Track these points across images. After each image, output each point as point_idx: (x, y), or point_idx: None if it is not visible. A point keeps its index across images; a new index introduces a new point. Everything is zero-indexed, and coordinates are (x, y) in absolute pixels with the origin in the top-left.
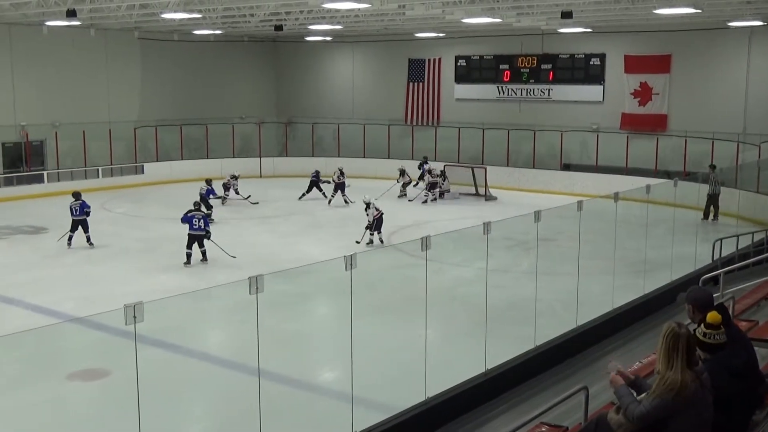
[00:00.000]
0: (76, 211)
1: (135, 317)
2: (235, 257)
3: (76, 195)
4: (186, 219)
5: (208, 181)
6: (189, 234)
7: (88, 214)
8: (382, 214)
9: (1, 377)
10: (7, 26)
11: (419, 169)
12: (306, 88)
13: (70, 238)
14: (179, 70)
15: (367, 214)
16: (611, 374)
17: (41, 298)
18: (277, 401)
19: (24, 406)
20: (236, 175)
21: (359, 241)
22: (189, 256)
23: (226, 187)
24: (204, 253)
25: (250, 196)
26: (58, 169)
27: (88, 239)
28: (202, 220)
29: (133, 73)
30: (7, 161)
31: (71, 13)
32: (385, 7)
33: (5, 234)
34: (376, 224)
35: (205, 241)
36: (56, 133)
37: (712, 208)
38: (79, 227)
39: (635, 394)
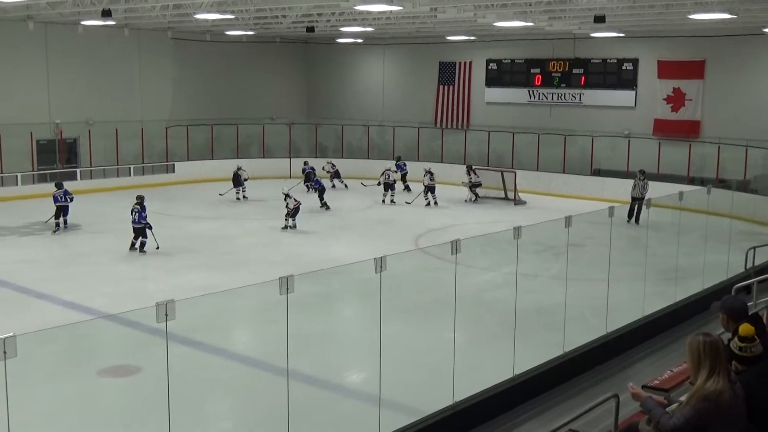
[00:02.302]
0: (60, 198)
1: (167, 315)
2: (158, 248)
3: (59, 185)
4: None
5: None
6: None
7: (71, 200)
8: (300, 204)
9: (35, 371)
10: (43, 25)
11: (397, 170)
12: (336, 90)
13: (57, 225)
14: (211, 70)
15: (287, 204)
16: (631, 390)
17: (73, 294)
18: (304, 402)
19: (57, 400)
20: (239, 166)
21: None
22: (132, 245)
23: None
24: (142, 245)
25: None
26: (90, 166)
27: (65, 222)
28: (137, 213)
29: (165, 73)
30: (41, 158)
31: (106, 13)
32: (416, 9)
33: (38, 230)
34: (293, 212)
35: (150, 231)
36: (89, 131)
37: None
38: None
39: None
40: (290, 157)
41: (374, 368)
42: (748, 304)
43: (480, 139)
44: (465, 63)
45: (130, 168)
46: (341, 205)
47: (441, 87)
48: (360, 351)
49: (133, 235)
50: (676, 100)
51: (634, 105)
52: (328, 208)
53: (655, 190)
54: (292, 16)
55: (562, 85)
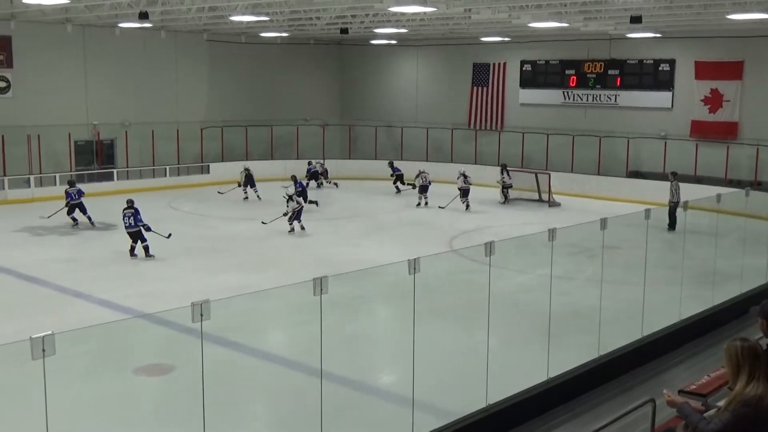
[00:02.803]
0: (74, 195)
1: (202, 315)
2: (169, 236)
3: (72, 183)
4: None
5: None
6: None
7: (82, 195)
8: (302, 207)
9: (71, 370)
10: (81, 28)
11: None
12: (370, 91)
13: (75, 220)
14: (246, 71)
15: (288, 206)
16: (666, 397)
17: (109, 293)
18: (337, 402)
19: (93, 398)
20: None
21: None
22: (132, 249)
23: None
24: (146, 249)
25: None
26: (127, 167)
27: (90, 219)
28: (131, 218)
29: (201, 75)
30: (79, 159)
31: (143, 15)
32: (450, 11)
33: (76, 230)
34: (297, 215)
35: (152, 231)
36: (126, 132)
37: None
38: (76, 210)
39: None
40: (324, 159)
41: (407, 370)
42: None
43: (514, 140)
44: (499, 64)
45: (165, 169)
46: (374, 207)
47: (475, 88)
48: (393, 352)
49: (130, 240)
50: (714, 101)
51: (670, 106)
52: (317, 204)
53: (693, 192)
54: (326, 18)
55: (598, 86)
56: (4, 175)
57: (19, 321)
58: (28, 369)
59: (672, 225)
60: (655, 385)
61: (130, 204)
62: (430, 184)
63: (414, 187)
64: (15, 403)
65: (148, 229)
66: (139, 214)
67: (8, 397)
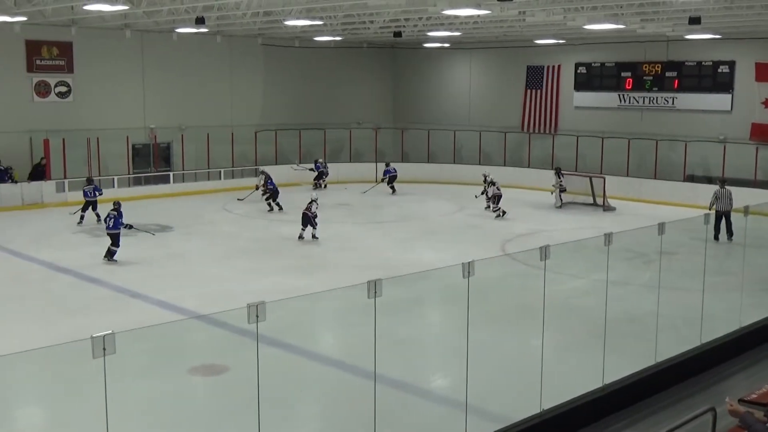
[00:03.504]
0: (90, 193)
1: (257, 316)
2: (154, 234)
3: (89, 180)
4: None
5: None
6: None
7: (100, 194)
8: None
9: (130, 368)
10: (139, 33)
11: (385, 176)
12: (423, 95)
13: (81, 218)
14: (299, 75)
15: (316, 208)
16: (729, 406)
17: (165, 293)
18: (390, 405)
19: (149, 396)
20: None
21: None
22: (110, 254)
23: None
24: (112, 253)
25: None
26: (183, 170)
27: (98, 215)
28: (112, 220)
29: (255, 79)
30: (136, 162)
31: (200, 21)
32: (504, 13)
33: (133, 232)
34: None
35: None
36: (182, 135)
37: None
38: (89, 208)
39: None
40: (376, 162)
41: (461, 373)
42: None
43: (568, 144)
44: (553, 67)
45: (220, 172)
46: (426, 210)
47: (528, 91)
48: (446, 356)
49: (110, 241)
50: None
51: (730, 109)
52: (281, 209)
53: (753, 197)
54: (380, 22)
55: (654, 88)
56: (65, 177)
57: (78, 320)
58: (89, 367)
59: (720, 233)
60: (714, 394)
61: (116, 207)
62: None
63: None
64: (76, 401)
65: (130, 227)
66: (121, 217)
67: (69, 395)
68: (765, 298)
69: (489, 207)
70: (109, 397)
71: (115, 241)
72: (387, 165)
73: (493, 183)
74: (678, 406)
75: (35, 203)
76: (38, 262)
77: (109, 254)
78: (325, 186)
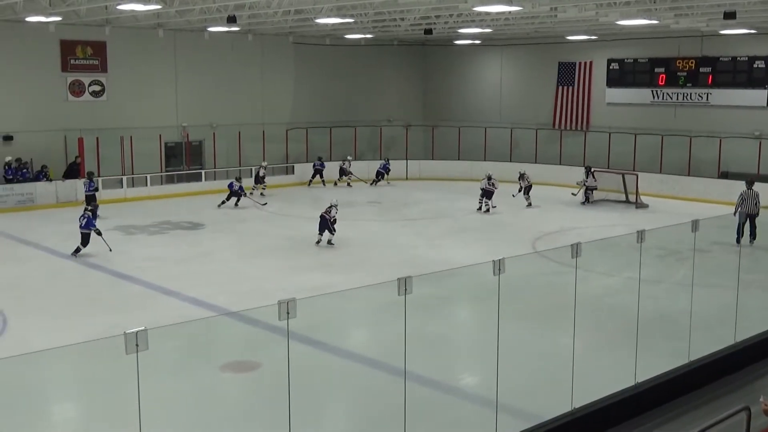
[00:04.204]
0: (86, 187)
1: (288, 313)
2: (111, 250)
3: (90, 174)
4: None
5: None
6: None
7: (97, 190)
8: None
9: (162, 365)
10: (172, 32)
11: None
12: (453, 92)
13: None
14: (330, 73)
15: (335, 213)
16: (763, 405)
17: (197, 291)
18: (420, 403)
19: (181, 392)
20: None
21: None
22: (77, 251)
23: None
24: (77, 249)
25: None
26: (214, 168)
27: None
28: (85, 219)
29: (286, 77)
30: (169, 160)
31: (231, 19)
32: (536, 9)
33: (165, 229)
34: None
35: (101, 237)
36: (214, 133)
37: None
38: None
39: None
40: (407, 159)
41: (491, 371)
42: None
43: (600, 140)
44: (585, 63)
45: (251, 169)
46: (456, 207)
47: (560, 88)
48: (476, 354)
49: (80, 239)
50: None
51: (765, 104)
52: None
53: None
54: (410, 19)
55: (688, 84)
56: (99, 175)
57: (111, 317)
58: (122, 363)
59: (743, 236)
60: (748, 392)
61: (92, 208)
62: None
63: (520, 190)
64: (108, 397)
65: (99, 234)
66: (94, 218)
67: (103, 391)
68: None
69: (481, 207)
70: (141, 394)
71: (85, 240)
72: (387, 161)
73: (522, 176)
74: (711, 405)
75: (70, 201)
76: (72, 259)
77: (76, 251)
78: (349, 184)
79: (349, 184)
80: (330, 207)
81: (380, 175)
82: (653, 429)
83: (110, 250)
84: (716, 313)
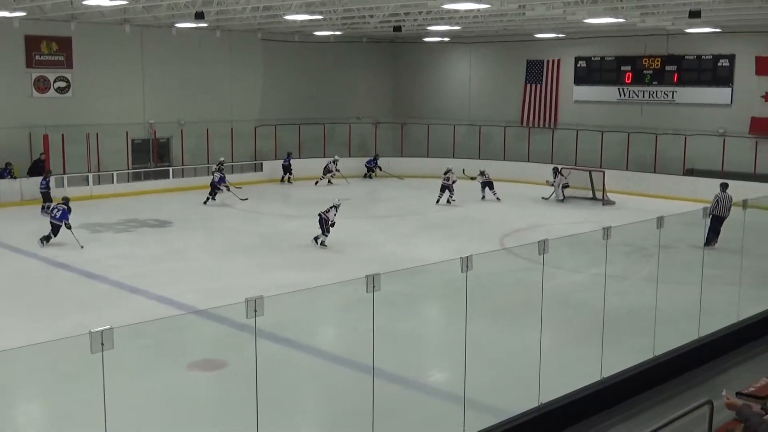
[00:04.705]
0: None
1: (255, 311)
2: (82, 247)
3: (46, 173)
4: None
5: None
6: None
7: (42, 187)
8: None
9: (128, 364)
10: (139, 28)
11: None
12: (422, 89)
13: (43, 208)
14: (299, 70)
15: (334, 215)
16: (726, 399)
17: (165, 289)
18: (388, 400)
19: (148, 392)
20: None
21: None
22: (47, 239)
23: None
24: (47, 238)
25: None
26: (182, 165)
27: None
28: (59, 212)
29: (255, 73)
30: (136, 157)
31: (199, 15)
32: (504, 7)
33: (132, 227)
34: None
35: (70, 231)
36: (182, 130)
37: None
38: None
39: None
40: (376, 156)
41: (459, 368)
42: None
43: (568, 138)
44: (553, 61)
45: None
46: (425, 205)
47: (528, 85)
48: (445, 350)
49: (50, 228)
50: None
51: (729, 103)
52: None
53: (752, 190)
54: (380, 16)
55: (654, 82)
56: (64, 173)
57: (78, 316)
58: (88, 362)
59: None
60: (712, 386)
61: (65, 201)
62: (452, 183)
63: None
64: (74, 397)
65: (69, 228)
66: (68, 212)
67: (68, 390)
68: (763, 292)
69: (439, 200)
70: (107, 393)
71: (56, 231)
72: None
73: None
74: (676, 399)
75: (35, 199)
76: (38, 257)
77: (45, 239)
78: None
79: (330, 182)
80: (330, 207)
81: (370, 171)
82: (619, 423)
83: (81, 247)
84: (681, 308)
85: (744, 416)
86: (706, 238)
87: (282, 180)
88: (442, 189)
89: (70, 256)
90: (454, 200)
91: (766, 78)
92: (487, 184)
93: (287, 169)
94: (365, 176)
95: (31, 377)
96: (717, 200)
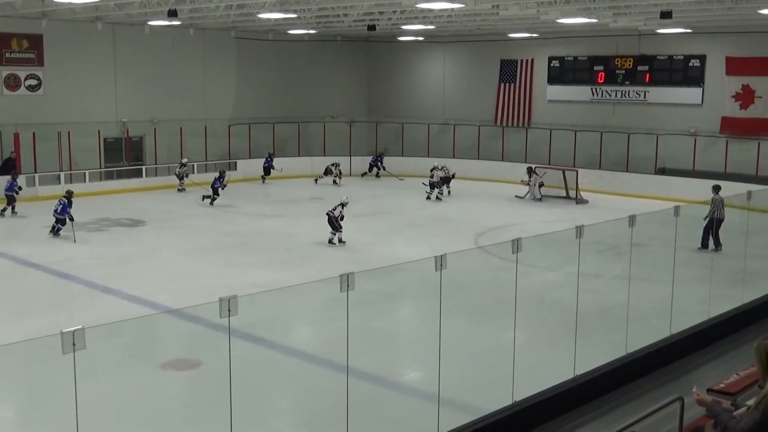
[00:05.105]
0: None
1: (229, 310)
2: (75, 242)
3: (13, 174)
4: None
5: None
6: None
7: (15, 191)
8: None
9: (101, 364)
10: (111, 26)
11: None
12: (397, 88)
13: (3, 210)
14: (273, 69)
15: (342, 213)
16: (696, 396)
17: (138, 289)
18: (363, 398)
19: (121, 392)
20: (183, 162)
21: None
22: (54, 229)
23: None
24: (57, 230)
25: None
26: (155, 164)
27: (13, 208)
28: (62, 206)
29: (229, 72)
30: (108, 156)
31: (172, 13)
32: (478, 7)
33: (105, 226)
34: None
35: (71, 224)
36: (155, 129)
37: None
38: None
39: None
40: (350, 155)
41: (433, 366)
42: None
43: (541, 137)
44: (527, 60)
45: (193, 165)
46: (401, 204)
47: (502, 85)
48: (419, 349)
49: (54, 221)
50: (746, 97)
51: (701, 102)
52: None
53: (723, 190)
54: (354, 15)
55: (627, 82)
56: (35, 171)
57: (50, 316)
58: (60, 363)
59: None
60: (683, 383)
61: (67, 195)
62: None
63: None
64: (46, 397)
65: (71, 219)
66: (69, 206)
67: (40, 391)
68: (733, 290)
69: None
70: (79, 393)
71: (62, 223)
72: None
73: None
74: (647, 396)
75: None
76: (8, 257)
77: (56, 230)
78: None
79: (335, 182)
80: (337, 205)
81: (374, 168)
82: (591, 421)
83: (74, 241)
84: (653, 306)
85: (714, 412)
86: (716, 243)
87: (263, 179)
88: (431, 186)
89: (41, 255)
90: (440, 197)
91: (737, 78)
92: (446, 181)
93: (267, 170)
94: (364, 175)
95: (2, 378)
96: (715, 203)
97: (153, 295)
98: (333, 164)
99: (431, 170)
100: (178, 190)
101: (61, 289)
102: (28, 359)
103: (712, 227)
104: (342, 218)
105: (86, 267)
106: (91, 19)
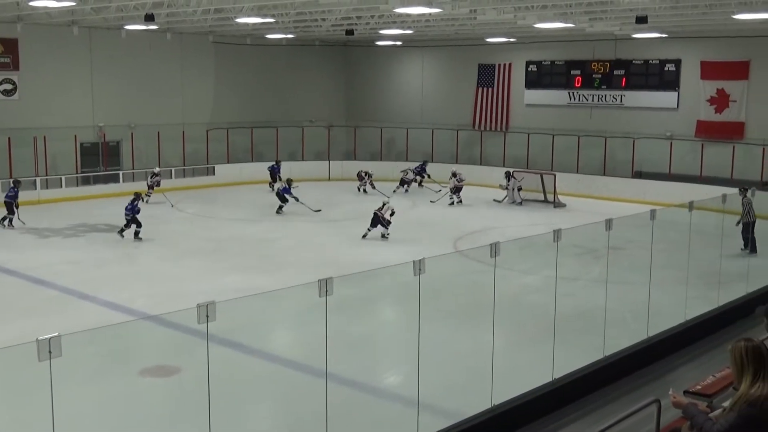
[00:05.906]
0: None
1: (207, 316)
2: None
3: (15, 182)
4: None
5: (289, 181)
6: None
7: (11, 198)
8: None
9: (78, 371)
10: (87, 30)
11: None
12: (375, 92)
13: (3, 219)
14: (251, 73)
15: (385, 212)
16: (672, 398)
17: (115, 295)
18: (342, 404)
19: (99, 399)
20: (155, 171)
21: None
22: (121, 231)
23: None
24: (136, 233)
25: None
26: (133, 169)
27: (7, 220)
28: (130, 205)
29: (206, 76)
30: (85, 161)
31: (149, 18)
32: (456, 12)
33: (82, 232)
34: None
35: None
36: (132, 133)
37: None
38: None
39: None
40: (329, 160)
41: (413, 371)
42: None
43: (519, 141)
44: (504, 65)
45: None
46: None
47: (480, 89)
48: (398, 353)
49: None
50: (720, 101)
51: (676, 106)
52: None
53: (698, 193)
54: (332, 19)
55: (603, 86)
56: (11, 176)
57: (26, 322)
58: (35, 370)
59: (748, 245)
60: (660, 385)
61: (136, 197)
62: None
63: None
64: (22, 405)
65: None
66: (134, 205)
67: (15, 399)
68: (709, 292)
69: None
70: (56, 401)
71: (136, 222)
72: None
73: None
74: (625, 398)
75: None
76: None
77: (135, 234)
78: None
79: (365, 191)
80: (383, 205)
81: (417, 178)
82: (570, 423)
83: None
84: (630, 308)
85: (690, 414)
86: (752, 245)
87: (270, 185)
88: (401, 183)
89: (17, 262)
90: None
91: (712, 82)
92: (406, 183)
93: (273, 175)
94: (402, 184)
95: None
96: (745, 206)
97: (130, 301)
98: (365, 172)
99: (452, 176)
100: (143, 199)
101: (36, 296)
102: (4, 367)
103: (749, 230)
104: (393, 214)
105: (62, 273)
106: (68, 23)
